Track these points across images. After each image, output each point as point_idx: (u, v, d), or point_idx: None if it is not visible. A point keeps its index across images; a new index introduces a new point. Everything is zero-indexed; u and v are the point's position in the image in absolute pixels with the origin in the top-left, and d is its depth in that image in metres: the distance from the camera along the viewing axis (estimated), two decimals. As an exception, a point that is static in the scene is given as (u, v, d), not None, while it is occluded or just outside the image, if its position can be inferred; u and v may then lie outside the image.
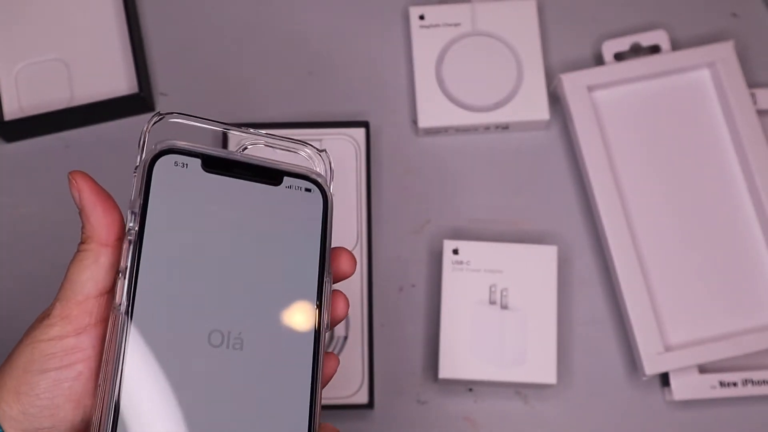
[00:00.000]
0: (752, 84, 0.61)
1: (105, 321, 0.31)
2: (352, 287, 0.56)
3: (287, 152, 0.35)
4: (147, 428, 0.29)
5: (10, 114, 0.60)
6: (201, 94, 0.62)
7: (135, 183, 0.32)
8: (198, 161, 0.33)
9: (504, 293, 0.55)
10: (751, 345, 0.54)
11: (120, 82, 0.61)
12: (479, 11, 0.61)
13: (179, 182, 0.32)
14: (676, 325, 0.56)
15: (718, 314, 0.56)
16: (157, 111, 0.33)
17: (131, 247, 0.31)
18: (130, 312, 0.30)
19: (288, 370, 0.32)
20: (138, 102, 0.60)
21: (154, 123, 0.35)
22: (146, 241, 0.31)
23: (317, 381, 0.32)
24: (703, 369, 0.56)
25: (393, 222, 0.60)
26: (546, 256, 0.56)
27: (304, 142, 0.35)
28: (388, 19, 0.64)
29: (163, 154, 0.33)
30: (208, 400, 0.30)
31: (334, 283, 0.35)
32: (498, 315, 0.54)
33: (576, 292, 0.59)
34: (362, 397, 0.55)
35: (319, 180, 0.34)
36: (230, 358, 0.31)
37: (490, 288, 0.55)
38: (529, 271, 0.55)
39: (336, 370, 0.35)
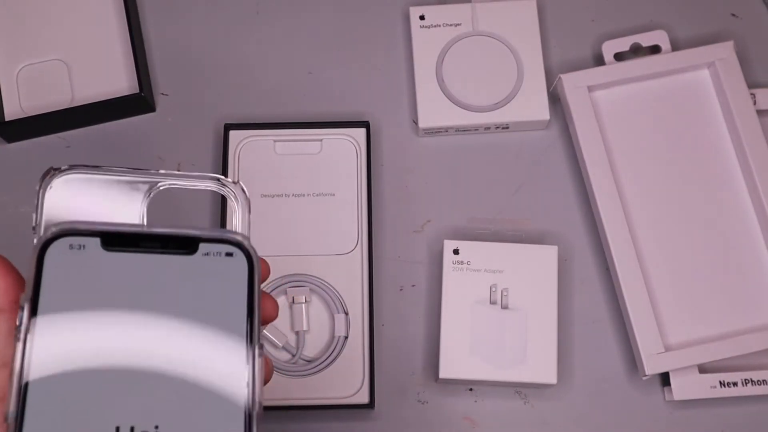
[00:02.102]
0: (752, 84, 0.61)
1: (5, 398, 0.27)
2: (353, 287, 0.56)
3: (201, 188, 0.32)
4: None
5: (10, 114, 0.60)
6: (201, 94, 0.62)
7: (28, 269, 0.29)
8: (97, 240, 0.29)
9: (504, 293, 0.55)
10: (751, 345, 0.54)
11: (121, 82, 0.61)
12: (479, 11, 0.61)
13: (76, 267, 0.29)
14: (676, 325, 0.56)
15: (718, 314, 0.56)
16: (50, 167, 0.31)
17: (20, 345, 0.27)
18: (19, 420, 0.27)
19: None
20: (139, 102, 0.60)
21: (50, 179, 0.31)
22: (38, 338, 0.28)
23: None
24: (703, 369, 0.56)
25: (393, 222, 0.60)
26: (546, 256, 0.56)
27: (213, 176, 0.32)
28: (388, 19, 0.64)
29: (56, 239, 0.29)
30: None
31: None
32: (498, 315, 0.54)
33: (576, 292, 0.59)
34: (363, 397, 0.55)
35: (241, 241, 0.30)
36: None
37: (491, 288, 0.55)
38: (530, 271, 0.55)
39: (276, 308, 0.33)
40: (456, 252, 0.56)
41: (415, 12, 0.62)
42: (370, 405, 0.55)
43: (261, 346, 0.29)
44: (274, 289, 0.56)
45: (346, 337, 0.56)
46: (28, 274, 0.29)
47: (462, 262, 0.55)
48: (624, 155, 0.59)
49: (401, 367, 0.57)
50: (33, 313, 0.28)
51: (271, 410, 0.55)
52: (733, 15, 0.65)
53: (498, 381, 0.54)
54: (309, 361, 0.56)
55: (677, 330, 0.56)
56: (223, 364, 0.29)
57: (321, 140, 0.59)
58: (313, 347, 0.56)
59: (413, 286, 0.59)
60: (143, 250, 0.29)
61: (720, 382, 0.55)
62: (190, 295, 0.29)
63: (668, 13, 0.64)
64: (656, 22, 0.64)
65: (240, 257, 0.30)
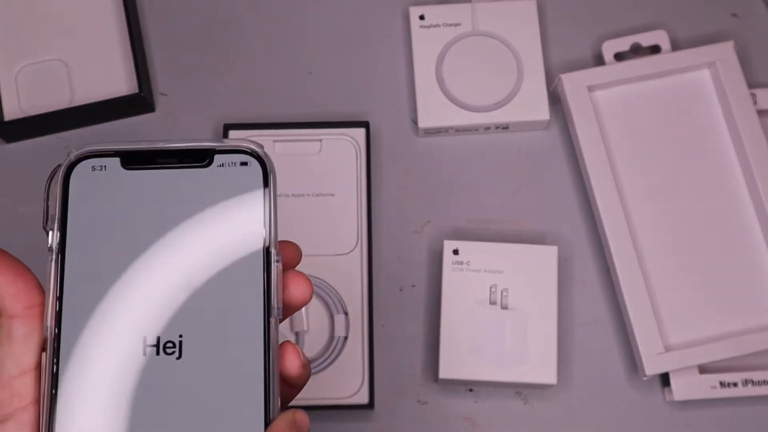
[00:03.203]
0: (752, 84, 0.61)
1: (37, 402, 0.28)
2: (353, 287, 0.56)
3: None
4: None
5: (10, 114, 0.60)
6: (201, 94, 0.62)
7: (52, 197, 0.30)
8: (117, 160, 0.30)
9: (504, 293, 0.55)
10: (751, 345, 0.54)
11: (120, 83, 0.61)
12: (479, 11, 0.61)
13: (99, 187, 0.30)
14: (676, 325, 0.56)
15: (718, 314, 0.56)
16: (58, 164, 0.31)
17: (53, 265, 0.29)
18: (57, 337, 0.28)
19: (235, 369, 0.29)
20: (138, 102, 0.60)
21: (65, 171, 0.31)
22: (69, 257, 0.29)
23: (270, 373, 0.29)
24: (703, 369, 0.56)
25: (393, 222, 0.60)
26: (546, 256, 0.56)
27: (244, 147, 0.31)
28: (388, 19, 0.64)
29: (79, 161, 0.30)
30: (151, 414, 0.29)
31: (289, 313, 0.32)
32: (498, 315, 0.54)
33: (576, 292, 0.59)
34: (363, 398, 0.55)
35: (256, 149, 0.31)
36: (171, 367, 0.29)
37: (491, 288, 0.55)
38: (530, 272, 0.55)
39: (301, 365, 0.32)
40: (456, 252, 0.56)
41: (415, 12, 0.62)
42: (370, 405, 0.55)
43: (278, 253, 0.30)
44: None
45: (346, 337, 0.56)
46: (54, 197, 0.30)
47: (462, 263, 0.55)
48: (624, 155, 0.59)
49: (401, 367, 0.57)
50: (62, 233, 0.29)
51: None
52: (733, 15, 0.65)
53: (498, 381, 0.54)
54: (309, 362, 0.56)
55: (677, 330, 0.56)
56: (241, 271, 0.30)
57: (321, 140, 0.59)
58: (313, 347, 0.56)
59: (413, 286, 0.59)
60: (161, 167, 0.30)
61: (720, 383, 0.55)
62: (208, 205, 0.30)
63: (668, 13, 0.64)
64: (656, 22, 0.64)
65: (255, 165, 0.31)
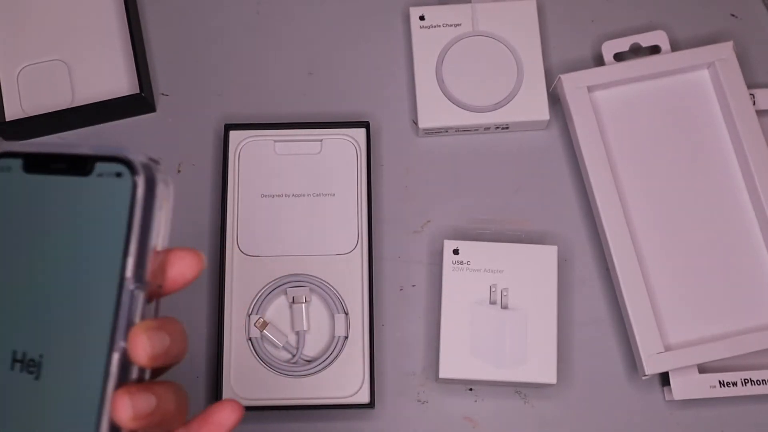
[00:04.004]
0: (752, 84, 0.61)
1: None
2: (353, 287, 0.57)
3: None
4: None
5: (11, 115, 0.60)
6: (201, 94, 0.62)
7: None
8: (20, 162, 0.29)
9: (504, 293, 0.55)
10: (751, 345, 0.54)
11: (121, 83, 0.61)
12: (479, 12, 0.61)
13: (1, 188, 0.29)
14: (676, 325, 0.56)
15: (718, 314, 0.56)
16: None
17: None
18: None
19: (73, 398, 0.28)
20: (139, 102, 0.60)
21: None
22: None
23: (103, 415, 0.27)
24: (703, 369, 0.56)
25: (393, 222, 0.60)
26: (546, 256, 0.56)
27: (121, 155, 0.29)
28: (388, 19, 0.64)
29: None
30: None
31: (175, 290, 0.30)
32: (498, 315, 0.54)
33: (576, 292, 0.59)
34: (363, 397, 0.55)
35: (131, 159, 0.28)
36: (26, 385, 0.28)
37: (491, 288, 0.55)
38: (530, 271, 0.55)
39: (132, 418, 0.28)
40: (456, 252, 0.56)
41: (415, 12, 0.62)
42: (370, 405, 0.55)
43: (139, 282, 0.28)
44: (274, 289, 0.56)
45: (346, 337, 0.56)
46: None
47: (462, 262, 0.56)
48: (624, 155, 0.59)
49: (401, 366, 0.57)
50: None
51: (271, 410, 0.55)
52: (733, 15, 0.65)
53: (498, 381, 0.54)
54: (309, 361, 0.56)
55: (677, 330, 0.56)
56: (95, 295, 0.28)
57: (321, 140, 0.59)
58: (313, 347, 0.56)
59: (413, 286, 0.59)
60: (52, 172, 0.29)
61: (720, 382, 0.55)
62: (79, 219, 0.28)
63: (668, 13, 0.64)
64: (656, 22, 0.64)
65: (127, 178, 0.28)
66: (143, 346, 0.28)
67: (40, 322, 0.28)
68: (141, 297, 0.28)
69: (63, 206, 0.28)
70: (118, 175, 0.28)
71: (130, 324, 0.28)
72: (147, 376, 0.29)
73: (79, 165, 0.28)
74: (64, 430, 0.27)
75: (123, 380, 0.28)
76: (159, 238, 0.29)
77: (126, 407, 0.27)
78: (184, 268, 0.30)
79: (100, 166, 0.28)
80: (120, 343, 0.28)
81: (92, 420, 0.27)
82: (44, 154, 0.29)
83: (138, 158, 0.28)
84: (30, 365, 0.28)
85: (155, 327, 0.28)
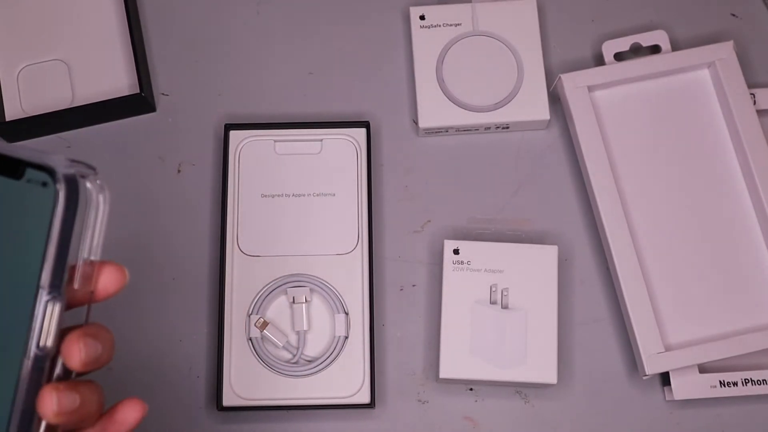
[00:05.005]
0: (752, 84, 0.61)
1: None
2: (353, 287, 0.56)
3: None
4: None
5: (11, 115, 0.60)
6: (201, 94, 0.62)
7: None
8: None
9: (504, 293, 0.55)
10: (751, 345, 0.54)
11: (121, 82, 0.61)
12: (479, 11, 0.61)
13: None
14: (676, 325, 0.56)
15: (718, 314, 0.56)
16: None
17: None
18: None
19: None
20: (139, 102, 0.60)
21: None
22: None
23: (13, 418, 0.28)
24: (703, 369, 0.56)
25: (393, 222, 0.60)
26: (546, 256, 0.56)
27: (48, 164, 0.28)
28: (388, 19, 0.64)
29: None
30: None
31: (99, 300, 0.30)
32: (498, 315, 0.54)
33: (576, 292, 0.59)
34: (363, 397, 0.55)
35: (56, 170, 0.27)
36: None
37: (491, 288, 0.55)
38: (530, 271, 0.55)
39: (57, 414, 0.28)
40: (456, 252, 0.56)
41: (415, 12, 0.62)
42: (371, 405, 0.55)
43: (55, 293, 0.28)
44: (274, 289, 0.56)
45: (347, 337, 0.56)
46: None
47: (462, 262, 0.56)
48: (624, 155, 0.59)
49: (402, 366, 0.57)
50: None
51: (271, 410, 0.55)
52: (733, 15, 0.65)
53: (498, 381, 0.54)
54: (309, 361, 0.56)
55: (677, 330, 0.56)
56: (11, 301, 0.28)
57: (321, 140, 0.59)
58: (313, 347, 0.56)
59: (413, 286, 0.59)
60: None
61: (720, 382, 0.55)
62: (8, 224, 0.28)
63: (668, 13, 0.64)
64: (656, 22, 0.64)
65: (50, 188, 0.27)
66: (78, 353, 0.29)
67: None
68: (57, 306, 0.28)
69: None
70: (44, 184, 0.27)
71: (45, 331, 0.28)
72: (73, 376, 0.30)
73: (11, 167, 0.27)
74: None
75: (36, 385, 0.28)
76: (87, 248, 0.29)
77: (52, 403, 0.28)
78: (106, 281, 0.30)
79: (29, 172, 0.27)
80: (33, 350, 0.28)
81: (2, 425, 0.28)
82: None
83: (63, 168, 0.27)
84: None
85: (91, 335, 0.29)
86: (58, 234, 0.27)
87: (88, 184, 0.28)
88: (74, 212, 0.28)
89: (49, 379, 0.29)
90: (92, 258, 0.29)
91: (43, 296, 0.28)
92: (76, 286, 0.29)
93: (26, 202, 0.27)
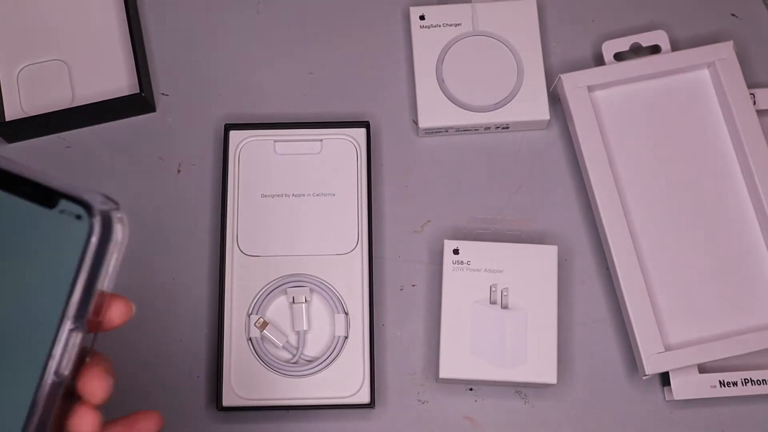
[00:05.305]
0: (752, 84, 0.61)
1: None
2: (353, 287, 0.56)
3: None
4: None
5: (11, 114, 0.60)
6: (201, 94, 0.62)
7: None
8: None
9: (504, 293, 0.55)
10: (751, 345, 0.54)
11: (121, 83, 0.61)
12: (479, 11, 0.61)
13: None
14: (676, 325, 0.56)
15: (718, 314, 0.56)
16: None
17: None
18: None
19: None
20: (139, 102, 0.60)
21: None
22: None
23: None
24: (703, 369, 0.56)
25: (393, 222, 0.60)
26: (546, 256, 0.56)
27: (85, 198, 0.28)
28: (388, 19, 0.64)
29: None
30: None
31: (103, 330, 0.31)
32: (498, 315, 0.54)
33: (576, 292, 0.59)
34: (363, 397, 0.55)
35: (92, 205, 0.28)
36: None
37: (491, 288, 0.55)
38: (530, 271, 0.55)
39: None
40: (456, 252, 0.56)
41: (415, 12, 0.62)
42: (371, 405, 0.55)
43: (81, 321, 0.28)
44: (274, 289, 0.56)
45: (346, 337, 0.56)
46: None
47: (462, 262, 0.56)
48: (624, 155, 0.59)
49: (402, 366, 0.57)
50: None
51: (271, 410, 0.55)
52: (733, 15, 0.65)
53: (498, 381, 0.54)
54: (309, 361, 0.56)
55: (677, 330, 0.56)
56: (33, 327, 0.28)
57: (321, 140, 0.59)
58: (313, 347, 0.56)
59: (413, 286, 0.59)
60: (15, 193, 0.28)
61: (720, 382, 0.55)
62: (32, 247, 0.28)
63: (668, 13, 0.64)
64: (656, 22, 0.64)
65: (85, 222, 0.28)
66: (101, 391, 0.30)
67: None
68: (79, 337, 0.28)
69: (18, 229, 0.28)
70: (78, 217, 0.28)
71: (65, 360, 0.28)
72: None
73: (45, 196, 0.28)
74: None
75: (48, 410, 0.28)
76: (106, 280, 0.29)
77: (94, 422, 0.29)
78: (113, 314, 0.31)
79: (63, 203, 0.28)
80: (51, 377, 0.28)
81: None
82: (14, 174, 0.28)
83: (99, 205, 0.28)
84: None
85: (109, 371, 0.30)
86: (89, 267, 0.28)
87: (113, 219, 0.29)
88: (105, 247, 0.28)
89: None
90: (104, 289, 0.29)
91: (67, 325, 0.28)
92: (92, 315, 0.29)
93: (57, 232, 0.28)
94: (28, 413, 0.28)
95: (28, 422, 0.28)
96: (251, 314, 0.56)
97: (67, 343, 0.28)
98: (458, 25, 0.61)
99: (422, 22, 0.61)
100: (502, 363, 0.54)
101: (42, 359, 0.28)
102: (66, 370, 0.28)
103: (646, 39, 0.62)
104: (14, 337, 0.28)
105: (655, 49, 0.62)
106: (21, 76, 0.61)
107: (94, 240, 0.28)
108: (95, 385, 0.29)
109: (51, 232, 0.28)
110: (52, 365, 0.28)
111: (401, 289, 0.59)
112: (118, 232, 0.29)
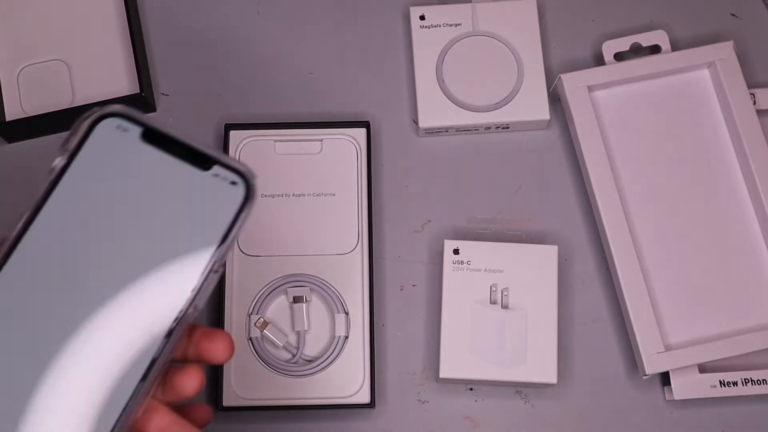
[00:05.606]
0: (752, 84, 0.61)
1: None
2: (353, 287, 0.57)
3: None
4: None
5: (11, 115, 0.60)
6: (201, 94, 0.62)
7: (78, 131, 0.33)
8: (138, 130, 0.33)
9: (504, 293, 0.55)
10: (751, 345, 0.54)
11: (121, 83, 0.61)
12: (479, 11, 0.61)
13: (115, 145, 0.33)
14: (676, 324, 0.56)
15: (718, 314, 0.56)
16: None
17: (46, 185, 0.32)
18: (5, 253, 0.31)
19: (122, 365, 0.31)
20: (139, 102, 0.60)
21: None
22: (57, 190, 0.32)
23: (148, 377, 0.31)
24: (703, 368, 0.56)
25: (393, 222, 0.60)
26: (546, 256, 0.56)
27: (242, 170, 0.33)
28: (388, 19, 0.64)
29: (109, 116, 0.33)
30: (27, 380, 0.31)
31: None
32: (499, 315, 0.54)
33: (576, 292, 0.59)
34: (363, 397, 0.55)
35: (248, 175, 0.33)
36: (75, 344, 0.31)
37: (491, 288, 0.55)
38: (530, 271, 0.55)
39: (197, 388, 0.33)
40: (456, 252, 0.56)
41: (415, 12, 0.62)
42: (371, 405, 0.55)
43: (222, 265, 0.33)
44: (274, 289, 0.56)
45: (347, 337, 0.56)
46: (75, 136, 0.32)
47: (462, 262, 0.56)
48: (624, 155, 0.59)
49: (402, 366, 0.57)
50: (66, 164, 0.32)
51: (271, 410, 0.55)
52: (733, 15, 0.65)
53: (498, 380, 0.54)
54: (309, 361, 0.56)
55: (677, 330, 0.56)
56: (181, 272, 0.32)
57: (321, 140, 0.59)
58: (313, 347, 0.56)
59: (413, 285, 0.59)
60: (170, 152, 0.33)
61: (720, 382, 0.55)
62: (187, 202, 0.33)
63: (668, 13, 0.64)
64: (656, 22, 0.64)
65: (240, 189, 0.33)
66: (227, 351, 0.34)
67: (111, 278, 0.32)
68: (216, 278, 0.33)
69: (168, 184, 0.33)
70: (233, 183, 0.33)
71: (204, 294, 0.32)
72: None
73: (198, 158, 0.33)
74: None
75: (172, 345, 0.32)
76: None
77: (196, 378, 0.33)
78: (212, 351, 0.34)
79: (217, 168, 0.33)
80: (191, 309, 0.32)
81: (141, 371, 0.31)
82: (179, 140, 0.33)
83: (254, 178, 0.33)
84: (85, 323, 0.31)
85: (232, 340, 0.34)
86: (239, 224, 0.33)
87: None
88: (250, 209, 0.33)
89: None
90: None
91: (212, 267, 0.32)
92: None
93: (210, 192, 0.33)
94: (161, 348, 0.31)
95: (157, 358, 0.31)
96: (251, 314, 0.56)
97: (209, 281, 0.32)
98: (458, 25, 0.61)
99: (422, 22, 0.61)
100: (502, 363, 0.54)
101: (187, 292, 0.32)
102: (201, 305, 0.32)
103: (646, 39, 0.62)
104: (164, 271, 0.32)
105: (655, 49, 0.62)
106: (21, 76, 0.61)
107: (248, 203, 0.33)
108: (220, 347, 0.33)
109: (204, 192, 0.33)
110: (194, 298, 0.32)
111: (401, 289, 0.59)
112: (257, 198, 0.33)
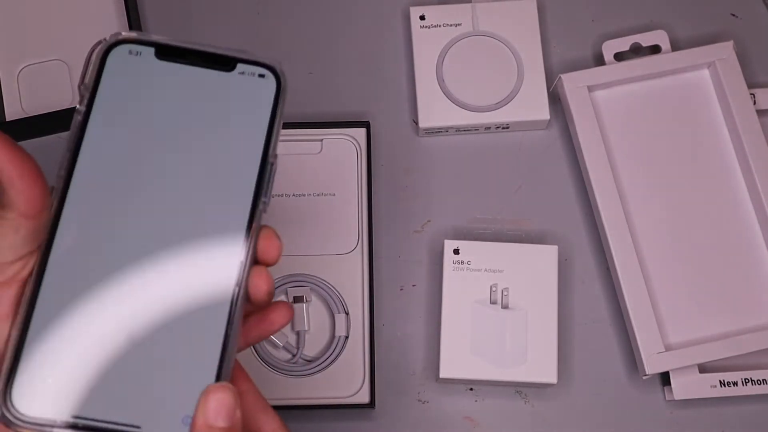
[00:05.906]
0: (752, 84, 0.61)
1: (21, 281, 0.31)
2: (353, 287, 0.57)
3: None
4: (47, 378, 0.30)
5: (11, 114, 0.60)
6: (202, 95, 0.62)
7: (92, 66, 0.33)
8: (152, 50, 0.33)
9: (505, 293, 0.55)
10: (751, 345, 0.54)
11: (121, 83, 0.61)
12: (479, 11, 0.61)
13: (132, 70, 0.33)
14: (676, 324, 0.56)
15: (718, 314, 0.56)
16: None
17: (75, 130, 0.32)
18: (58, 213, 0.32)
19: (203, 293, 0.32)
20: (139, 102, 0.60)
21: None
22: (89, 128, 0.32)
23: (234, 311, 0.33)
24: (703, 368, 0.56)
25: (393, 222, 0.60)
26: (546, 256, 0.56)
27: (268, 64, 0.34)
28: (388, 19, 0.64)
29: (118, 44, 0.33)
30: (122, 334, 0.31)
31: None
32: (499, 315, 0.54)
33: (576, 292, 0.59)
34: (363, 397, 0.55)
35: (274, 65, 0.34)
36: (149, 281, 0.31)
37: (491, 288, 0.55)
38: (530, 271, 0.55)
39: (268, 293, 0.35)
40: (456, 252, 0.56)
41: (415, 12, 0.62)
42: (371, 405, 0.55)
43: (275, 156, 0.33)
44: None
45: (347, 337, 0.56)
46: (91, 71, 0.33)
47: (462, 262, 0.56)
48: (624, 155, 0.59)
49: (401, 366, 0.57)
50: (88, 109, 0.32)
51: (271, 410, 0.55)
52: (733, 15, 0.65)
53: (498, 381, 0.54)
54: (309, 361, 0.56)
55: (677, 330, 0.56)
56: (238, 167, 0.33)
57: (321, 140, 0.59)
58: (313, 347, 0.56)
59: (413, 285, 0.59)
60: (190, 63, 0.33)
61: (720, 382, 0.55)
62: (223, 106, 0.33)
63: (668, 13, 0.64)
64: (656, 22, 0.64)
65: (270, 79, 0.34)
66: (277, 248, 0.35)
67: (163, 213, 0.32)
68: (275, 168, 0.33)
69: (199, 94, 0.33)
70: (261, 76, 0.34)
71: (270, 187, 0.33)
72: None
73: (219, 61, 0.33)
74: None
75: (253, 230, 0.33)
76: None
77: (266, 280, 0.35)
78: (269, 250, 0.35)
79: (241, 66, 0.33)
80: (261, 204, 0.33)
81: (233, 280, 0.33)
82: (186, 48, 0.33)
83: (281, 65, 0.34)
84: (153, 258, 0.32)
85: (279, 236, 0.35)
86: (280, 113, 0.34)
87: None
88: (285, 96, 0.34)
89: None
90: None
91: (269, 160, 0.33)
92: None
93: (240, 91, 0.33)
94: (247, 229, 0.33)
95: (248, 232, 0.33)
96: (251, 314, 0.56)
97: (271, 173, 0.33)
98: (458, 25, 0.61)
99: (422, 22, 0.61)
100: (502, 363, 0.54)
101: (252, 188, 0.33)
102: (268, 200, 0.33)
103: (646, 39, 0.62)
104: (225, 176, 0.33)
105: (655, 49, 0.62)
106: (21, 76, 0.61)
107: (281, 89, 0.34)
108: (272, 245, 0.34)
109: (234, 92, 0.33)
110: (263, 193, 0.33)
111: (401, 289, 0.59)
112: (288, 83, 0.34)
